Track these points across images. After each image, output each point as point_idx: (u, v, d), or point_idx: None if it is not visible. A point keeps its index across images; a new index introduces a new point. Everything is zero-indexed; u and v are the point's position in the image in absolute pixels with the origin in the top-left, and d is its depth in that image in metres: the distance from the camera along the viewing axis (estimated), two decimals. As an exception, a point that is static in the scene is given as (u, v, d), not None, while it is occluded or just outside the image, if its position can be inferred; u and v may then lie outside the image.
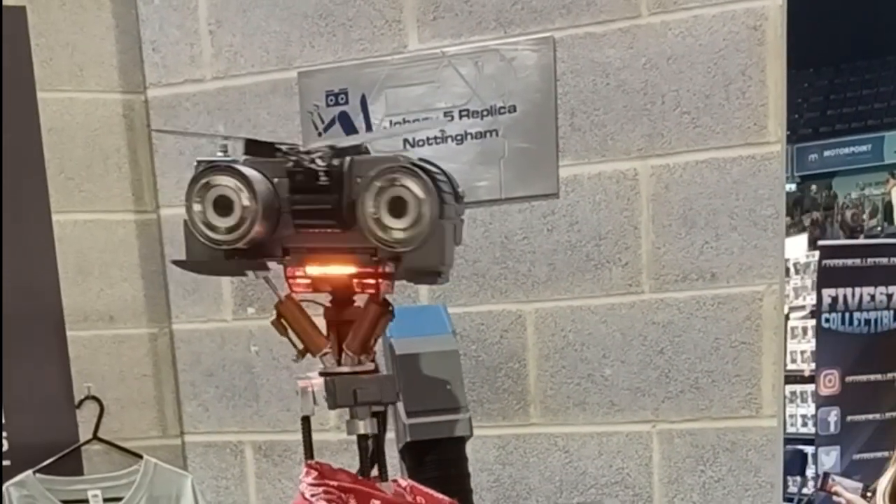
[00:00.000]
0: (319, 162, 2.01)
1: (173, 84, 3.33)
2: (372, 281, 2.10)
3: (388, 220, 1.99)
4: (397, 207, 1.98)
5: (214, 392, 3.45)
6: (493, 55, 3.03)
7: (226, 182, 1.98)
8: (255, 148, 2.08)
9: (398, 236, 1.99)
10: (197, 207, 2.00)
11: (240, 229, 1.99)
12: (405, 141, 3.08)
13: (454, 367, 2.58)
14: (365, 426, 2.14)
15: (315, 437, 2.23)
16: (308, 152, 2.03)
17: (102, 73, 3.32)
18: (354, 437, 2.19)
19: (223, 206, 1.98)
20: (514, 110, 3.03)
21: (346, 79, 3.14)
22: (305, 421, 2.19)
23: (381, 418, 2.20)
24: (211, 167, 1.99)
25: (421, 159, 2.07)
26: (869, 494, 3.21)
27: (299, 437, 3.25)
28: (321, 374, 2.13)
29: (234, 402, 3.44)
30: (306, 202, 2.02)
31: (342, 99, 3.14)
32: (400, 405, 2.43)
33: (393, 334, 2.48)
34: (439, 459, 2.52)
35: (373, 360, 2.19)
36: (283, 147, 2.07)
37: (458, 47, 3.06)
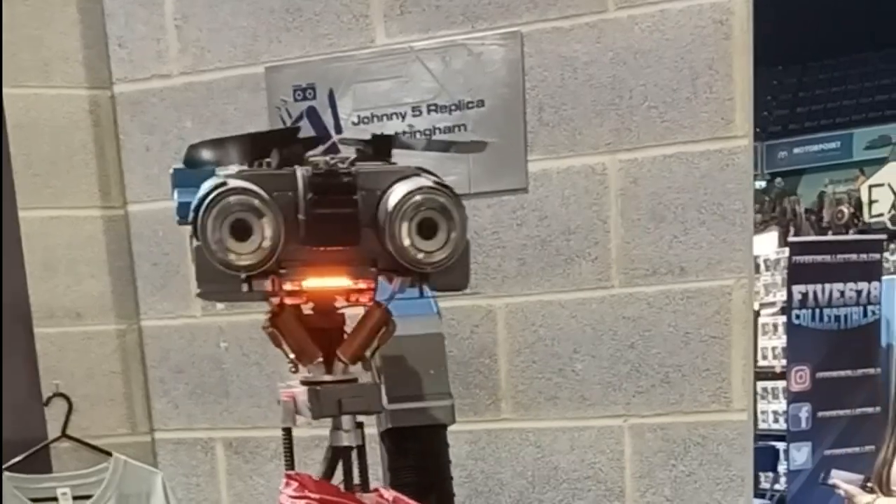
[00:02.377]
0: (340, 164, 1.96)
1: (140, 79, 3.30)
2: (365, 292, 2.05)
3: (419, 243, 1.95)
4: (427, 229, 1.95)
5: (184, 389, 3.43)
6: (461, 50, 3.01)
7: (244, 204, 1.88)
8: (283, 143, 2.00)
9: (430, 259, 1.96)
10: (215, 236, 1.87)
11: (259, 252, 1.89)
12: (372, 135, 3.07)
13: (438, 350, 2.52)
14: (349, 438, 2.09)
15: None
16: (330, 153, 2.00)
17: (68, 69, 3.28)
18: (327, 434, 2.16)
19: (241, 229, 1.88)
20: (483, 105, 3.01)
21: (313, 74, 3.12)
22: (286, 432, 2.16)
23: (362, 428, 2.16)
24: (226, 191, 1.88)
25: (420, 168, 2.04)
26: (869, 486, 3.23)
27: (270, 433, 3.27)
28: (303, 382, 2.07)
29: (203, 399, 3.41)
30: (327, 216, 1.93)
31: (310, 94, 3.12)
32: (381, 389, 2.40)
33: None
34: (420, 446, 2.47)
35: (366, 369, 2.13)
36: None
37: (426, 42, 3.04)
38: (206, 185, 1.91)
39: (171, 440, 3.47)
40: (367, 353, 2.10)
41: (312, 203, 1.93)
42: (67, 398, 3.31)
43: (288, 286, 1.99)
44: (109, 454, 3.31)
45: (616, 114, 2.96)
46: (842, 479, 3.59)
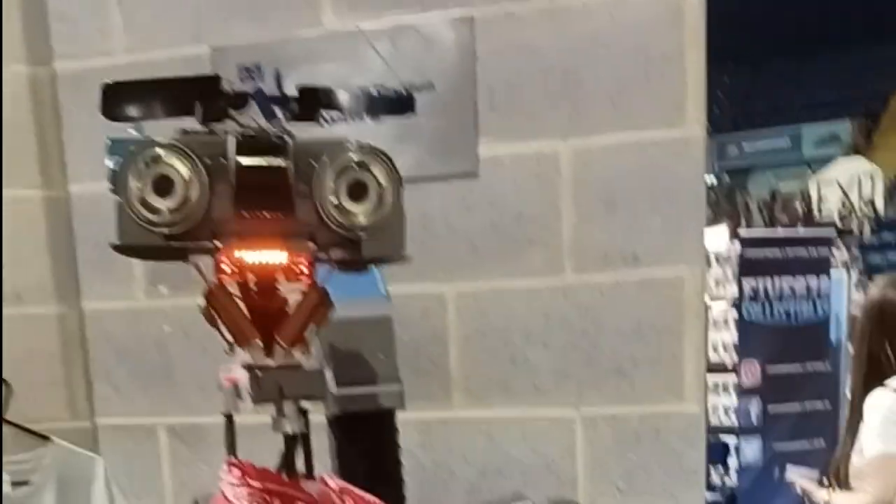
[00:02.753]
0: (272, 128, 1.95)
1: (82, 56, 3.23)
2: (305, 269, 1.99)
3: (349, 205, 1.91)
4: (357, 192, 1.91)
5: (126, 373, 3.37)
6: (411, 32, 2.97)
7: (169, 160, 1.86)
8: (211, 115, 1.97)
9: (360, 221, 1.92)
10: (135, 185, 1.86)
11: (182, 211, 1.87)
12: (321, 118, 3.02)
13: (387, 334, 2.48)
14: (292, 425, 2.03)
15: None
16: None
17: (8, 44, 3.20)
18: (270, 420, 2.11)
19: (163, 185, 1.86)
20: (433, 88, 2.97)
21: (259, 54, 3.06)
22: (228, 418, 2.10)
23: (306, 415, 2.11)
24: (151, 144, 1.88)
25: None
26: (825, 481, 3.24)
27: (215, 419, 3.18)
28: (244, 366, 2.00)
29: (147, 384, 3.36)
30: (257, 177, 1.91)
31: (256, 74, 3.07)
32: (329, 373, 2.34)
33: (324, 295, 2.39)
34: (369, 432, 2.43)
35: (306, 353, 2.06)
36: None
37: (375, 23, 3.00)
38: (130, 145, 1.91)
39: (113, 426, 3.41)
40: (307, 336, 2.03)
41: (242, 165, 1.91)
42: (6, 382, 3.22)
43: (225, 261, 1.95)
44: (49, 439, 3.23)
45: (569, 100, 2.93)
46: (798, 476, 3.59)
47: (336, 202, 1.91)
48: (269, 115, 3.00)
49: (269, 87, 3.04)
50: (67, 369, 3.37)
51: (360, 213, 1.93)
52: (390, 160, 1.95)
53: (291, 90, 2.99)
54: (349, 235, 1.94)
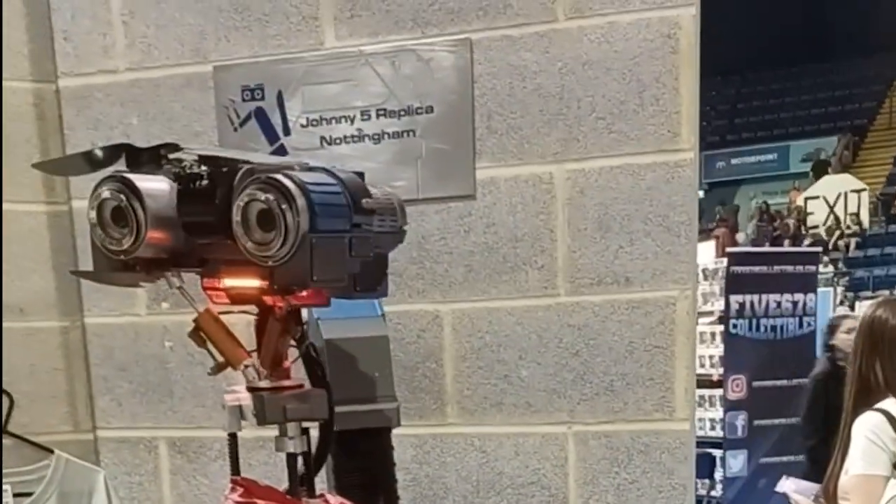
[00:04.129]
0: (199, 168, 1.98)
1: (85, 74, 3.27)
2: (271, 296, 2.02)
3: (258, 235, 1.89)
4: (265, 221, 1.89)
5: (128, 387, 3.41)
6: (411, 55, 3.02)
7: (114, 192, 1.93)
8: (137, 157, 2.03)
9: (266, 252, 1.89)
10: (92, 216, 1.96)
11: (135, 240, 1.94)
12: (322, 139, 3.07)
13: (383, 353, 2.52)
14: (294, 444, 2.07)
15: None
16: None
17: (12, 61, 3.24)
18: (271, 435, 2.15)
19: (118, 216, 1.94)
20: (432, 111, 3.02)
21: (262, 74, 3.11)
22: (232, 437, 2.14)
23: (308, 434, 2.16)
24: (106, 178, 1.95)
25: (316, 167, 2.01)
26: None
27: (214, 433, 3.25)
28: (248, 388, 2.05)
29: (147, 398, 3.40)
30: (191, 210, 1.97)
31: (258, 94, 3.11)
32: (327, 395, 2.40)
33: (321, 315, 2.42)
34: (366, 448, 2.47)
35: (288, 377, 2.10)
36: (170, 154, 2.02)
37: (376, 46, 3.05)
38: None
39: (114, 438, 3.44)
40: (287, 359, 2.09)
41: (179, 208, 1.97)
42: (9, 394, 3.27)
43: (217, 286, 2.02)
44: (51, 451, 3.28)
45: (564, 124, 2.98)
46: (792, 490, 3.61)
47: (244, 230, 1.91)
48: (271, 136, 3.08)
49: (271, 108, 3.12)
50: (69, 382, 3.40)
51: (266, 242, 1.90)
52: (300, 186, 1.90)
53: (295, 112, 3.08)
54: (261, 264, 1.93)
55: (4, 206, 3.27)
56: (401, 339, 3.13)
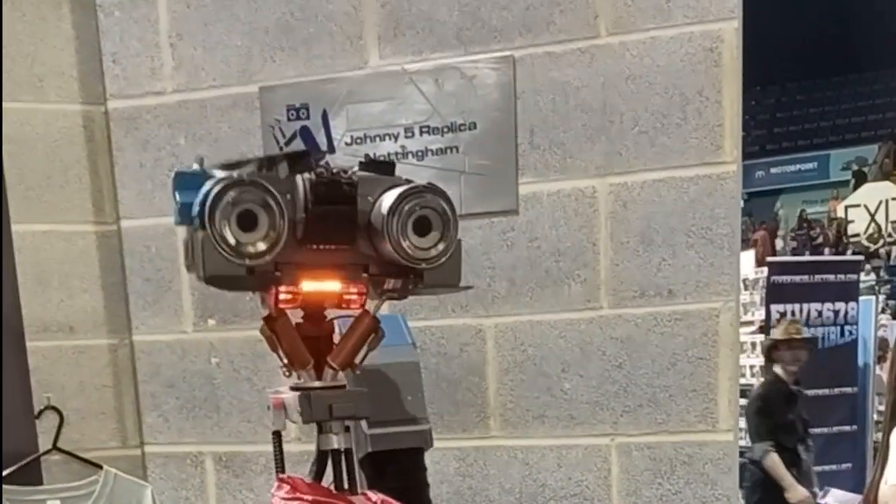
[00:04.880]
0: (343, 174, 2.04)
1: (134, 96, 3.32)
2: (355, 297, 2.12)
3: (416, 240, 2.03)
4: (422, 227, 2.04)
5: (175, 403, 3.45)
6: (454, 73, 3.05)
7: (252, 197, 1.95)
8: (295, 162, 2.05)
9: (424, 255, 2.05)
10: (222, 220, 1.94)
11: (266, 244, 1.97)
12: (366, 156, 3.10)
13: (415, 377, 2.58)
14: (339, 441, 2.15)
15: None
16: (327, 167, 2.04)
17: (63, 84, 3.31)
18: (314, 449, 2.20)
19: (248, 221, 1.95)
20: (475, 127, 3.06)
21: (307, 94, 3.15)
22: (277, 435, 2.20)
23: (349, 431, 2.21)
24: (233, 182, 1.96)
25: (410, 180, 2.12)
26: None
27: (260, 448, 3.29)
28: (293, 388, 2.13)
29: (194, 413, 3.44)
30: (327, 214, 2.02)
31: (303, 114, 3.16)
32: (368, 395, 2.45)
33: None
34: (399, 469, 2.52)
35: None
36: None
37: (419, 64, 3.08)
38: (214, 181, 1.97)
39: (162, 454, 3.48)
40: (357, 360, 2.16)
41: (314, 203, 2.01)
42: (59, 411, 3.33)
43: (284, 290, 2.06)
44: (100, 467, 3.33)
45: (606, 138, 3.00)
46: (835, 501, 3.61)
47: (406, 240, 2.03)
48: (317, 152, 3.11)
49: (316, 127, 3.16)
50: (118, 399, 3.45)
51: (427, 246, 2.05)
52: (446, 196, 2.08)
53: (339, 130, 3.11)
54: (415, 266, 2.06)
55: (55, 226, 3.35)
56: (444, 354, 3.17)
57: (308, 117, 3.15)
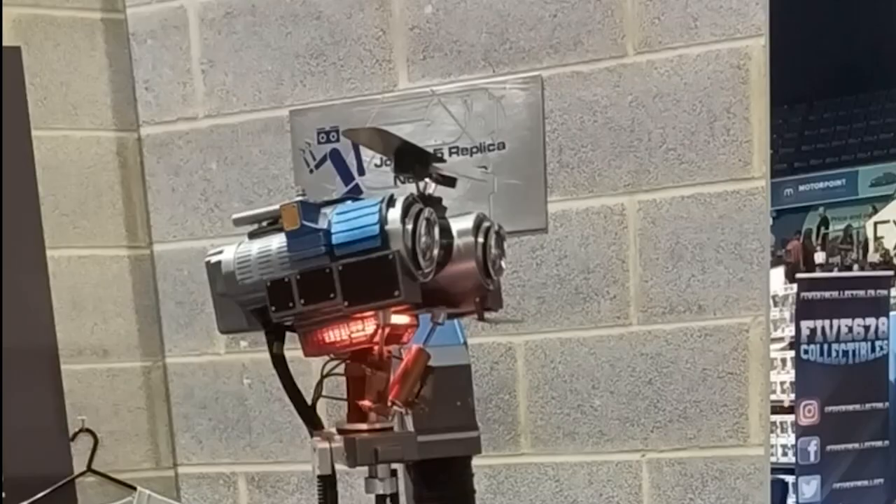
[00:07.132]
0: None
1: (166, 122, 3.37)
2: (407, 333, 2.04)
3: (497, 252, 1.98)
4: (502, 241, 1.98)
5: (207, 424, 3.48)
6: (482, 94, 3.09)
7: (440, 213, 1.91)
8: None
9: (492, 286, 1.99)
10: (426, 240, 1.84)
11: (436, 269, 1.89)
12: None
13: (466, 381, 2.57)
14: (384, 486, 2.04)
15: (304, 467, 2.15)
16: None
17: (96, 112, 3.37)
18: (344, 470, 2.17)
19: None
20: (503, 147, 3.08)
21: (337, 117, 3.19)
22: (322, 480, 2.02)
23: (396, 475, 2.15)
24: (415, 199, 1.86)
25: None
26: None
27: (291, 468, 3.30)
28: (339, 431, 2.00)
29: (227, 434, 3.47)
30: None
31: (333, 137, 3.19)
32: (408, 419, 2.42)
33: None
34: (446, 477, 2.50)
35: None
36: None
37: (448, 86, 3.12)
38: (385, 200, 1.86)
39: (195, 475, 3.51)
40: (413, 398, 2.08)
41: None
42: (93, 433, 3.37)
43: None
44: (134, 488, 3.36)
45: (635, 156, 3.02)
46: None
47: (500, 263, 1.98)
48: (346, 176, 3.11)
49: (346, 149, 3.19)
50: (151, 421, 3.49)
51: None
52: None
53: (369, 152, 3.12)
54: (488, 288, 1.97)
55: (89, 251, 3.40)
56: (475, 372, 3.15)
57: (338, 140, 3.19)
